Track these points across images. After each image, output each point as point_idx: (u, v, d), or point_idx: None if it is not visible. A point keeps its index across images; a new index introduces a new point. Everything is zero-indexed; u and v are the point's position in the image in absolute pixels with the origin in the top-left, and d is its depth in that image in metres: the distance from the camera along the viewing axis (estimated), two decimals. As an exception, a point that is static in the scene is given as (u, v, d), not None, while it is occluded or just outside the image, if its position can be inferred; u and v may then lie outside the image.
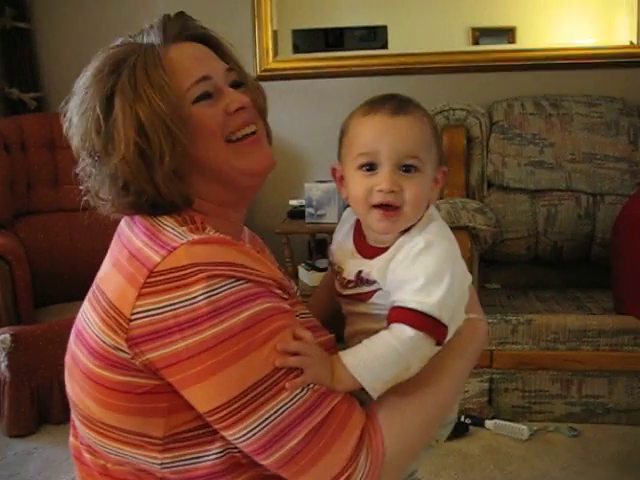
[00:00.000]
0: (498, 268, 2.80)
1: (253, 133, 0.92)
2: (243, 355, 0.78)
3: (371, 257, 0.93)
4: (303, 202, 2.98)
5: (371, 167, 0.89)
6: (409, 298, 0.85)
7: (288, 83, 3.10)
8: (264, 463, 0.82)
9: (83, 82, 0.88)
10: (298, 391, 0.80)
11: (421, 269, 0.86)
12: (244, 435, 0.79)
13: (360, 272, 0.92)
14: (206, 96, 0.88)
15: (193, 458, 0.83)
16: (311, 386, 0.82)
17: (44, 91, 3.29)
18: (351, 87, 3.04)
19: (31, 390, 2.43)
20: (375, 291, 0.91)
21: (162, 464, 0.83)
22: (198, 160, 0.88)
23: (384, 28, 3.18)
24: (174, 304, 0.77)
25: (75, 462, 0.94)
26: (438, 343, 0.87)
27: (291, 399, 0.80)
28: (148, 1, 3.13)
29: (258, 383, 0.78)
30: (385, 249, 0.91)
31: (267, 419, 0.79)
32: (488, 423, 2.35)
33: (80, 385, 0.86)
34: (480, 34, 3.12)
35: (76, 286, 2.79)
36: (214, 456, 0.83)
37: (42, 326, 2.48)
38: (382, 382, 0.85)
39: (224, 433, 0.81)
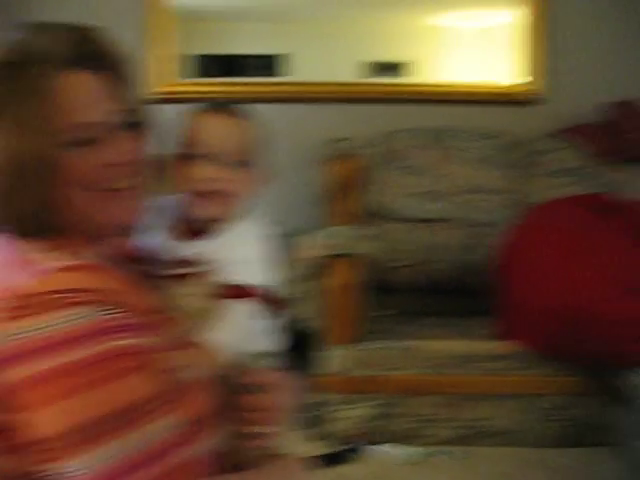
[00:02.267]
0: (388, 295, 2.84)
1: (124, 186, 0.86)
2: (93, 387, 0.74)
3: (197, 239, 1.01)
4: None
5: (195, 158, 1.00)
6: (245, 277, 0.97)
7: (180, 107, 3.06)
8: None
9: None
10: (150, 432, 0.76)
11: (251, 251, 0.99)
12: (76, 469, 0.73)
13: (189, 254, 0.99)
14: (82, 143, 0.80)
15: None
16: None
17: None
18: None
19: None
20: (203, 272, 0.98)
21: None
22: (55, 201, 0.81)
23: (285, 56, 3.23)
24: (31, 330, 0.73)
25: None
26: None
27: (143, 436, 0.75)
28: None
29: (106, 417, 0.74)
30: (209, 234, 1.01)
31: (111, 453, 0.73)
32: (376, 448, 2.35)
33: None
34: (378, 67, 3.22)
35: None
36: None
37: None
38: None
39: (52, 464, 0.74)
